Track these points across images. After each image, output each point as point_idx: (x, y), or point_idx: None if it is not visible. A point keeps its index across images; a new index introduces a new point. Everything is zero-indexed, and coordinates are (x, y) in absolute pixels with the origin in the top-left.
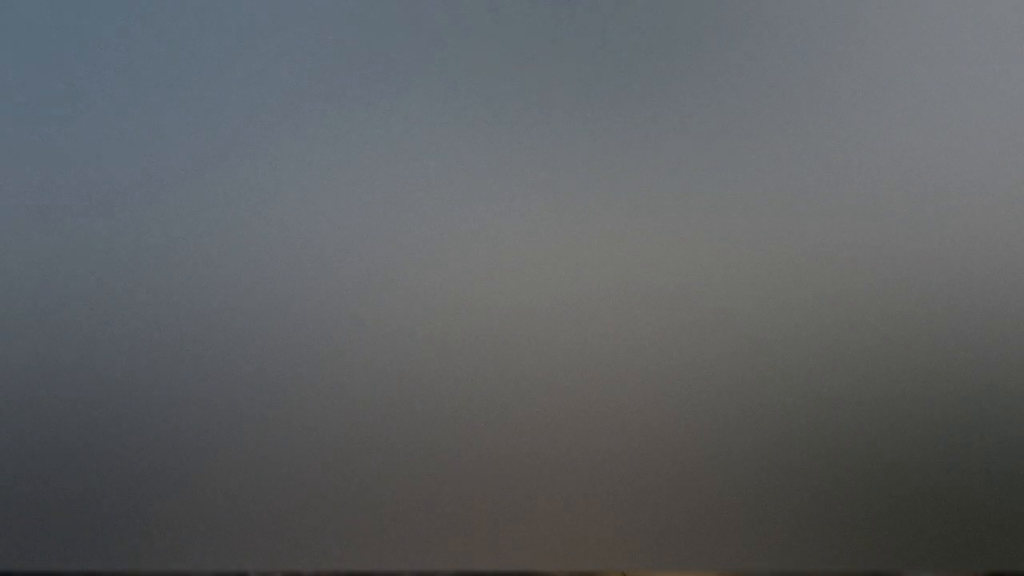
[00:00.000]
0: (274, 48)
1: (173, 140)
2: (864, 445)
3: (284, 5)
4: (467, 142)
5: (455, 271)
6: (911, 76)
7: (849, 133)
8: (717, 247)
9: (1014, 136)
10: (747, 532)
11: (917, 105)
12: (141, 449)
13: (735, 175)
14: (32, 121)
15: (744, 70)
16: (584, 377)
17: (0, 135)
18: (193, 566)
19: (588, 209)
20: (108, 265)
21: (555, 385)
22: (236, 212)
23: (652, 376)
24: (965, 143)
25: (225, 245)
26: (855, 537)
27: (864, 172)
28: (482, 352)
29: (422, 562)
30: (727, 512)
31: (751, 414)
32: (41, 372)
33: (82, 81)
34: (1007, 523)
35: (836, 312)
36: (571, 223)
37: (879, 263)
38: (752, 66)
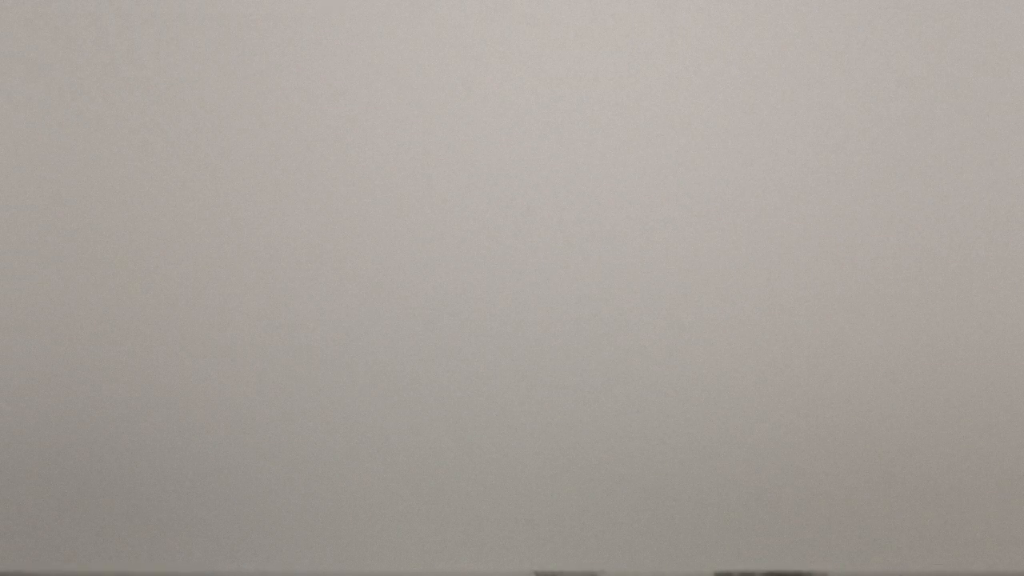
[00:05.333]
0: None
1: None
2: (864, 445)
3: None
4: None
5: None
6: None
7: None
8: None
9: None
10: (746, 532)
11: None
12: (142, 451)
13: None
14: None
15: None
16: (583, 377)
17: None
18: (193, 566)
19: None
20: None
21: (551, 381)
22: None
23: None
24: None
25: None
26: (854, 537)
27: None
28: (464, 351)
29: (422, 563)
30: (727, 512)
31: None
32: (42, 374)
33: None
34: (1007, 523)
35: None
36: None
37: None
38: None
